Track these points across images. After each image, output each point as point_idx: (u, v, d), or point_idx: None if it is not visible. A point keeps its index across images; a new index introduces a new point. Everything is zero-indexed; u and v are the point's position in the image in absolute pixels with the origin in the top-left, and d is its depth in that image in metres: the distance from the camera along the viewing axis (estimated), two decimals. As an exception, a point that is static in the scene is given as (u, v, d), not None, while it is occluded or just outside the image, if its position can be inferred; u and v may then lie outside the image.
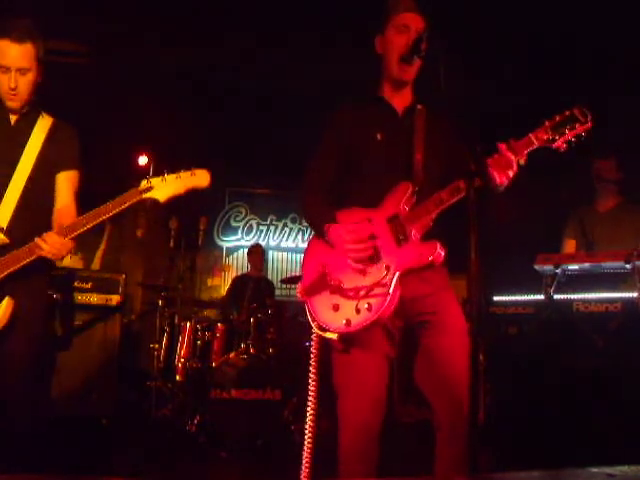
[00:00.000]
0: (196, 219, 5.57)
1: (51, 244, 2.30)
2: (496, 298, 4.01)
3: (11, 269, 2.35)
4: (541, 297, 3.79)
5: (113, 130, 5.88)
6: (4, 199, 2.45)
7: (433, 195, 2.04)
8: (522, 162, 2.01)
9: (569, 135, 1.98)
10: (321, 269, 2.10)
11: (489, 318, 3.88)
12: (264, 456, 4.06)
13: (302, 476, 2.16)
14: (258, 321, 4.64)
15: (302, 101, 5.63)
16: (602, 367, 3.55)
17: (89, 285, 4.69)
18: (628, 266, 3.56)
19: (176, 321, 5.29)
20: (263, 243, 7.37)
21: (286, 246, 7.82)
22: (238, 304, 5.03)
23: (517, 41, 5.07)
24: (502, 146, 2.00)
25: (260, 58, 5.71)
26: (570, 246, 4.26)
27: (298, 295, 2.14)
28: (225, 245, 7.71)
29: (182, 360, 4.91)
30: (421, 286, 2.10)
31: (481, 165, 1.93)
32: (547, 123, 2.01)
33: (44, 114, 2.63)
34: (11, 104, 2.49)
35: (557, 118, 2.01)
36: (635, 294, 3.51)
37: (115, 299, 4.81)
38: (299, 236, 7.86)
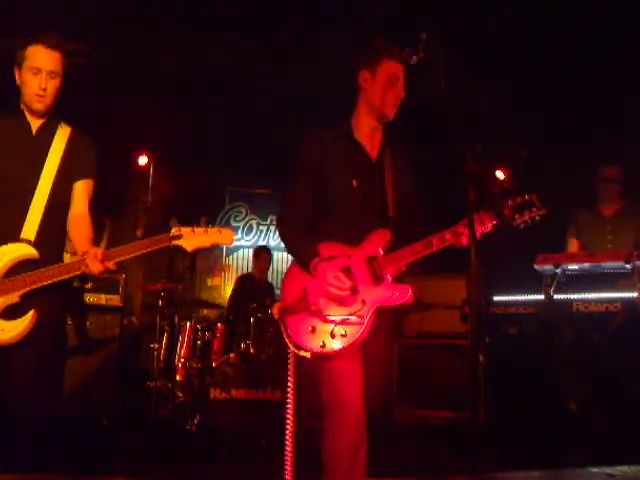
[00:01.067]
0: (196, 219, 5.55)
1: (96, 265, 2.41)
2: (496, 298, 4.01)
3: (47, 282, 2.40)
4: (541, 297, 3.79)
5: (113, 130, 5.88)
6: (30, 211, 2.48)
7: (410, 245, 2.26)
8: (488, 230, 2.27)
9: (527, 216, 2.26)
10: (301, 293, 2.29)
11: (489, 318, 3.88)
12: (264, 456, 4.05)
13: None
14: (258, 321, 4.64)
15: (302, 101, 5.64)
16: (602, 367, 3.55)
17: (89, 285, 4.69)
18: (628, 266, 3.56)
19: (176, 321, 5.29)
20: (263, 243, 7.36)
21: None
22: (243, 305, 5.02)
23: (517, 41, 5.07)
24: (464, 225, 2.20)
25: (260, 58, 5.71)
26: (574, 245, 4.25)
27: (275, 314, 2.31)
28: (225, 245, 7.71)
29: (182, 360, 4.92)
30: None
31: (481, 165, 1.94)
32: (510, 203, 2.26)
33: (62, 123, 2.66)
34: (38, 106, 2.53)
35: (518, 200, 2.26)
36: (635, 294, 3.51)
37: (115, 299, 4.81)
38: (299, 236, 7.85)
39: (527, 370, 3.77)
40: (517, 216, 2.24)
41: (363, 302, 2.22)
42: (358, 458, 2.23)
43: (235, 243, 7.69)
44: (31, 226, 2.47)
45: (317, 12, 4.98)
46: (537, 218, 2.26)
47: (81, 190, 2.64)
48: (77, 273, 2.44)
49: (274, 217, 7.81)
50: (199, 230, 2.58)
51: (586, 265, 3.75)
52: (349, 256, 2.28)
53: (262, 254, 6.17)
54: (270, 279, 6.68)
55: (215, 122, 6.25)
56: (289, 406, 2.38)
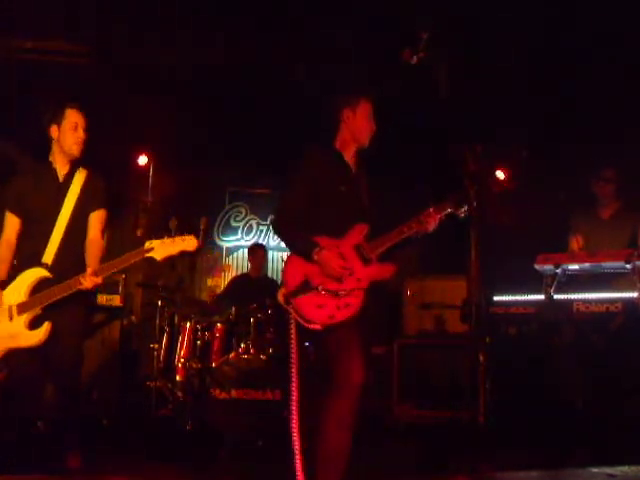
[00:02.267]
0: (196, 219, 5.56)
1: (88, 282, 3.01)
2: (496, 298, 4.01)
3: (57, 297, 3.02)
4: (541, 297, 3.79)
5: (113, 130, 5.88)
6: (50, 240, 3.16)
7: (387, 233, 2.82)
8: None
9: (466, 209, 2.60)
10: (302, 278, 2.75)
11: (489, 318, 3.89)
12: (264, 456, 4.06)
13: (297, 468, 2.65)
14: (258, 321, 4.64)
15: (302, 101, 5.64)
16: (602, 367, 3.55)
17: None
18: (628, 266, 3.56)
19: (176, 321, 5.29)
20: (263, 243, 7.35)
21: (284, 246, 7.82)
22: (237, 304, 5.01)
23: (517, 41, 5.07)
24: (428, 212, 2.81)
25: (260, 58, 5.70)
26: (575, 243, 4.25)
27: (280, 299, 2.78)
28: (225, 245, 7.70)
29: (182, 360, 4.91)
30: None
31: (480, 165, 1.94)
32: (452, 197, 2.76)
33: (81, 168, 3.36)
34: (77, 151, 3.30)
35: (457, 195, 2.71)
36: (635, 294, 3.51)
37: (115, 299, 4.81)
38: (299, 236, 7.84)
39: (527, 370, 3.78)
40: (459, 208, 2.74)
41: (358, 279, 2.74)
42: (354, 412, 2.61)
43: (235, 243, 7.70)
44: (50, 252, 3.15)
45: (317, 12, 4.98)
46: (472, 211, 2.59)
47: (95, 219, 3.31)
48: (74, 289, 3.02)
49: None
50: (168, 241, 3.03)
51: (586, 265, 3.75)
52: (338, 246, 2.79)
53: (257, 251, 6.18)
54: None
55: (215, 122, 6.24)
56: (293, 403, 2.70)
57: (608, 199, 4.30)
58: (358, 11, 4.91)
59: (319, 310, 2.69)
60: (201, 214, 5.63)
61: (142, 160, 6.32)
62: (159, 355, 5.10)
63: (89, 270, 3.01)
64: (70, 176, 3.30)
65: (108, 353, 4.80)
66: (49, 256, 3.14)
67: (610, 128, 5.06)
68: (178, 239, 3.02)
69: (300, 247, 2.85)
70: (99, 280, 3.02)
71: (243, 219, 7.77)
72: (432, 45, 2.10)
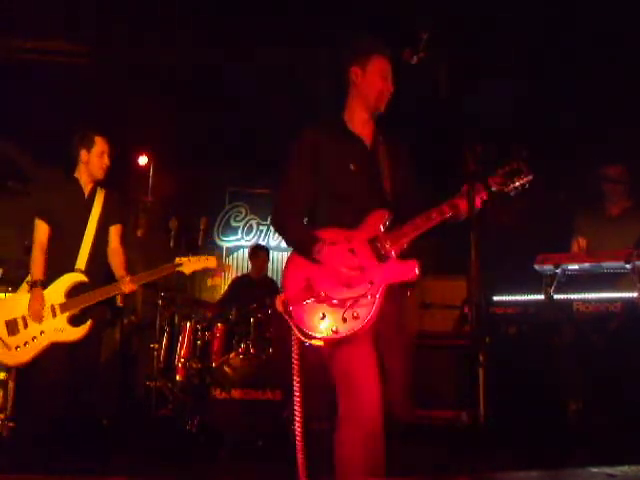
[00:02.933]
0: (196, 219, 5.56)
1: (127, 288, 3.56)
2: (496, 298, 4.00)
3: (97, 300, 3.53)
4: (541, 297, 3.78)
5: (113, 130, 5.87)
6: (81, 249, 3.63)
7: (411, 220, 2.30)
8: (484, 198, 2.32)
9: (517, 183, 2.32)
10: (304, 282, 2.29)
11: (489, 318, 3.88)
12: (264, 456, 4.06)
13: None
14: (258, 321, 4.64)
15: (302, 101, 5.63)
16: (602, 367, 3.55)
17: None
18: (628, 266, 3.56)
19: (176, 321, 5.29)
20: (263, 243, 7.35)
21: (286, 246, 7.82)
22: (237, 304, 5.01)
23: (517, 41, 5.07)
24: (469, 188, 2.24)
25: (260, 58, 5.70)
26: (577, 245, 4.24)
27: (279, 306, 2.31)
28: (225, 245, 7.70)
29: (182, 360, 4.91)
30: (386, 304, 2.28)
31: (480, 166, 1.94)
32: (500, 171, 2.33)
33: (100, 187, 3.83)
34: (100, 176, 3.78)
35: (507, 168, 2.33)
36: (635, 294, 3.51)
37: (115, 299, 4.80)
38: (299, 236, 7.84)
39: (527, 370, 3.77)
40: (508, 182, 2.31)
41: (371, 282, 2.23)
42: (374, 452, 2.19)
43: (235, 243, 7.70)
44: (82, 259, 3.62)
45: (317, 12, 4.98)
46: (526, 185, 2.32)
47: (114, 232, 3.82)
48: (114, 294, 3.65)
49: (274, 217, 7.80)
50: (194, 259, 3.69)
51: (586, 265, 3.75)
52: (350, 239, 2.31)
53: (259, 254, 6.17)
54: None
55: (215, 122, 6.24)
56: (297, 404, 2.31)
57: (617, 197, 4.25)
58: (358, 11, 4.91)
59: (321, 322, 2.22)
60: (201, 214, 5.67)
61: (142, 160, 6.31)
62: (159, 355, 5.11)
63: (127, 278, 3.55)
64: (93, 193, 3.79)
65: (108, 353, 4.79)
66: (82, 263, 3.62)
67: (610, 128, 5.06)
68: (202, 258, 3.67)
69: (299, 244, 2.40)
70: (135, 287, 3.58)
71: (243, 219, 7.77)
72: (432, 45, 2.10)
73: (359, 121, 2.50)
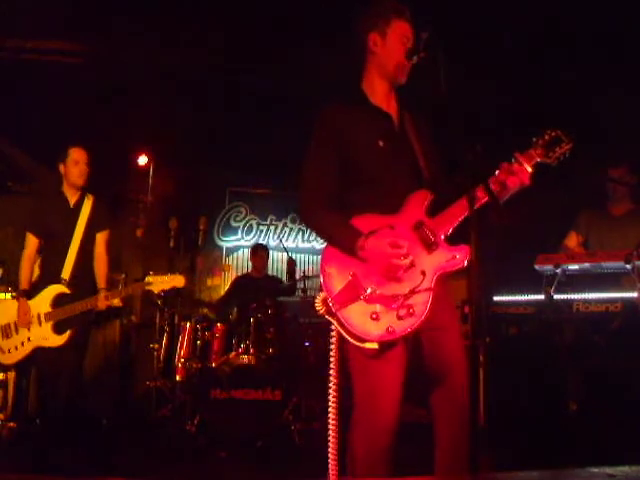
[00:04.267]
0: (196, 219, 5.57)
1: (102, 304, 3.78)
2: (496, 298, 4.00)
3: (77, 312, 3.73)
4: (541, 297, 3.78)
5: (113, 130, 5.87)
6: (67, 258, 3.81)
7: (456, 202, 2.08)
8: (529, 171, 2.15)
9: (558, 152, 2.18)
10: (349, 279, 2.04)
11: (489, 318, 3.88)
12: (264, 456, 4.06)
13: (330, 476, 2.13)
14: (258, 321, 4.64)
15: (302, 101, 5.63)
16: (602, 367, 3.55)
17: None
18: (628, 266, 3.56)
19: (176, 321, 5.29)
20: (263, 243, 7.36)
21: (286, 246, 7.82)
22: (238, 304, 5.02)
23: (517, 41, 5.07)
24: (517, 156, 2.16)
25: (260, 58, 5.70)
26: (572, 239, 4.24)
27: (320, 309, 2.04)
28: (225, 245, 7.70)
29: (182, 360, 4.91)
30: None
31: (480, 166, 1.94)
32: (540, 141, 2.18)
33: (87, 195, 3.99)
34: (80, 183, 3.93)
35: (546, 137, 2.19)
36: (635, 294, 3.51)
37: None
38: (299, 236, 7.85)
39: (527, 370, 3.77)
40: (550, 153, 2.16)
41: (423, 273, 2.02)
42: (382, 454, 2.09)
43: (235, 243, 7.71)
44: (67, 269, 3.81)
45: (317, 13, 4.97)
46: (567, 152, 2.18)
47: (101, 239, 3.98)
48: (91, 307, 3.76)
49: (274, 217, 7.81)
50: (162, 278, 3.76)
51: (586, 265, 3.75)
52: (392, 226, 2.07)
53: (259, 252, 6.17)
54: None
55: (215, 122, 6.24)
56: (332, 406, 2.10)
57: (621, 198, 4.24)
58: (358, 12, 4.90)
59: (374, 323, 1.99)
60: (201, 214, 5.68)
61: (142, 160, 6.32)
62: (159, 355, 5.11)
63: (102, 294, 3.77)
64: (80, 202, 3.96)
65: (108, 353, 4.79)
66: (67, 272, 3.81)
67: (610, 128, 5.06)
68: (170, 277, 3.76)
69: (338, 239, 2.11)
70: (108, 303, 3.79)
71: (243, 219, 7.77)
72: (432, 45, 2.09)
73: (381, 93, 2.27)
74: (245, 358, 4.46)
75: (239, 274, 6.92)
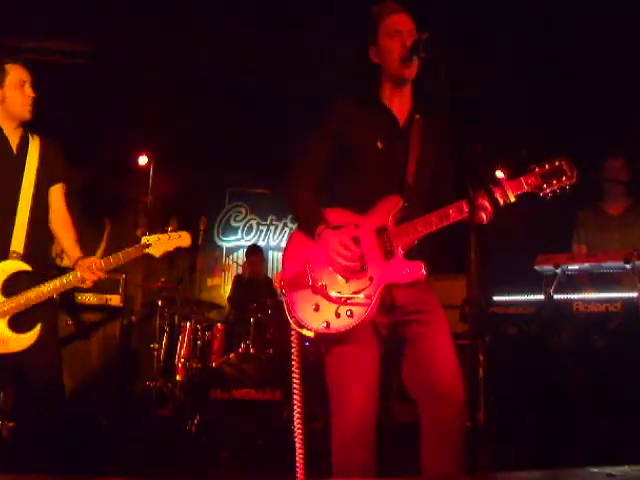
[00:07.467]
0: (196, 219, 5.56)
1: (88, 275, 2.69)
2: (496, 298, 4.00)
3: (47, 296, 2.66)
4: (541, 297, 3.78)
5: (113, 130, 5.87)
6: (16, 224, 2.70)
7: (424, 216, 2.08)
8: (512, 200, 2.06)
9: (555, 186, 2.04)
10: (304, 266, 2.12)
11: (489, 318, 3.88)
12: (264, 456, 4.05)
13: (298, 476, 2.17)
14: (258, 321, 4.64)
15: (302, 101, 5.63)
16: (602, 367, 3.55)
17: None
18: (628, 266, 3.56)
19: (176, 321, 5.29)
20: (263, 243, 7.36)
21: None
22: (240, 305, 5.04)
23: (517, 41, 5.07)
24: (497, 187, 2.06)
25: (260, 58, 5.70)
26: (581, 251, 4.23)
27: (277, 283, 2.17)
28: (225, 245, 7.70)
29: (182, 360, 4.91)
30: (409, 290, 2.12)
31: (481, 165, 1.94)
32: (537, 170, 2.05)
33: (31, 134, 2.87)
34: (27, 115, 2.80)
35: (547, 167, 2.04)
36: (635, 294, 3.51)
37: (115, 299, 4.81)
38: (299, 236, 7.85)
39: (527, 370, 3.77)
40: (545, 185, 2.03)
41: (371, 279, 2.03)
42: (358, 449, 2.06)
43: (235, 243, 7.70)
44: (19, 238, 2.69)
45: (317, 13, 4.98)
46: (567, 188, 2.04)
47: (57, 194, 2.87)
48: (71, 286, 2.70)
49: (274, 217, 7.81)
50: (164, 237, 2.84)
51: (586, 265, 3.75)
52: (357, 225, 2.11)
53: (255, 257, 6.17)
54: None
55: (215, 122, 6.24)
56: (297, 402, 2.20)
57: (617, 195, 4.25)
58: (358, 12, 4.90)
59: (314, 314, 2.06)
60: (201, 214, 5.67)
61: (142, 160, 6.31)
62: (159, 355, 5.11)
63: (86, 261, 2.69)
64: (24, 145, 2.81)
65: (108, 353, 4.79)
66: (19, 243, 2.68)
67: (610, 128, 5.06)
68: (174, 235, 2.85)
69: (304, 221, 2.19)
70: (100, 274, 2.70)
71: (243, 219, 7.77)
72: (432, 45, 2.09)
73: (390, 95, 2.27)
74: (245, 358, 4.46)
75: (237, 274, 6.94)
